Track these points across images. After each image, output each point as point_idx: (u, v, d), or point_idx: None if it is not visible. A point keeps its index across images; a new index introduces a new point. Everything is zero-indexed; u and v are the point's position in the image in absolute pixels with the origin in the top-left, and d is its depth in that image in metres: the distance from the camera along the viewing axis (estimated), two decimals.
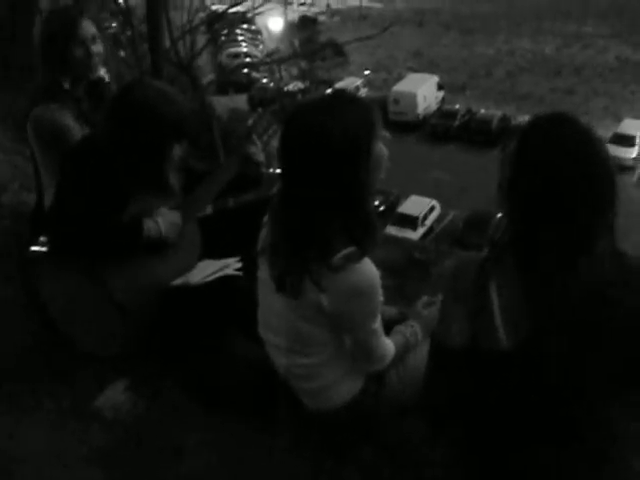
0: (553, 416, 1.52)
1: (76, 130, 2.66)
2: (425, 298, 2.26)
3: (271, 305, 1.96)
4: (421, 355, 2.06)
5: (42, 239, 2.58)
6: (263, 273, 1.97)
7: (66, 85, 2.69)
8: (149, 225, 2.38)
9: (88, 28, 2.68)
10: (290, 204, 1.83)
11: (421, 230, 20.07)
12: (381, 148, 1.84)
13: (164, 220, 2.42)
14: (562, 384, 1.49)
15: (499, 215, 19.56)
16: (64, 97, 2.68)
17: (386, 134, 1.88)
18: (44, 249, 2.52)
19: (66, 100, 2.68)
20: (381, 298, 1.86)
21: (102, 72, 2.77)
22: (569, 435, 1.54)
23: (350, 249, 1.77)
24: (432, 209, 20.99)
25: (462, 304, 1.55)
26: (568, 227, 1.45)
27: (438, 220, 21.06)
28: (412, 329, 2.10)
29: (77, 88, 2.73)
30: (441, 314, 1.65)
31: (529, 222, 1.48)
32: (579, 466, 1.56)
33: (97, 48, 2.70)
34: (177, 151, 2.42)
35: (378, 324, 1.92)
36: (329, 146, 1.73)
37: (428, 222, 20.64)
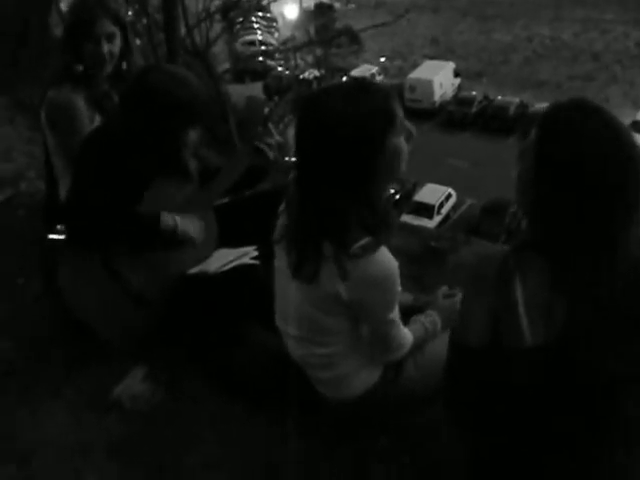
0: (578, 414, 1.48)
1: (87, 114, 2.68)
2: (445, 288, 2.24)
3: (287, 295, 1.95)
4: (440, 345, 2.04)
5: (59, 227, 2.58)
6: (280, 262, 1.95)
7: (79, 69, 2.69)
8: (166, 219, 2.37)
9: (105, 27, 2.67)
10: (305, 192, 1.82)
11: (437, 218, 19.94)
12: (400, 141, 1.79)
13: (182, 221, 2.41)
14: (594, 382, 1.44)
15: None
16: (77, 81, 2.69)
17: (410, 127, 1.83)
18: (62, 237, 2.52)
19: (79, 84, 2.69)
20: (399, 288, 1.83)
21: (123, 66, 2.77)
22: (593, 436, 1.51)
23: (367, 239, 1.75)
24: (448, 197, 20.85)
25: (482, 300, 1.50)
26: (598, 220, 1.40)
27: (454, 208, 20.91)
28: (431, 318, 2.08)
29: (90, 76, 2.73)
30: (460, 310, 1.61)
31: (555, 216, 1.43)
32: (602, 470, 1.53)
33: (111, 47, 2.70)
34: (192, 136, 2.41)
35: (396, 314, 1.90)
36: (339, 134, 1.70)
37: (444, 210, 20.50)
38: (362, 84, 1.84)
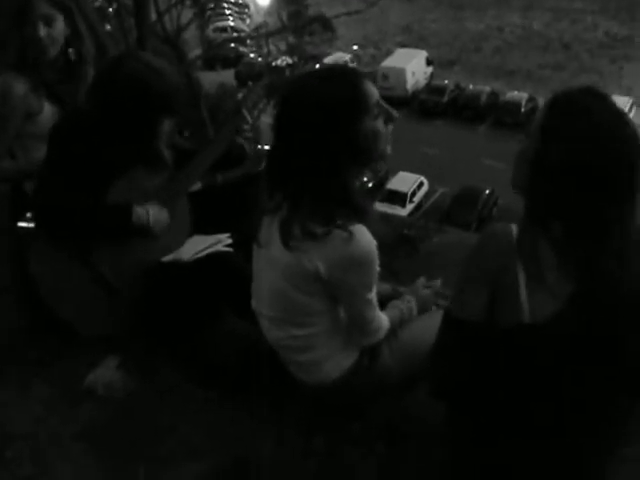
0: (571, 395, 1.50)
1: (29, 103, 2.57)
2: (423, 279, 2.26)
3: (265, 276, 1.95)
4: (415, 332, 2.07)
5: (28, 215, 2.55)
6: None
7: (25, 55, 2.58)
8: (138, 212, 2.35)
9: (41, 9, 2.55)
10: (269, 173, 1.88)
11: (410, 207, 20.06)
12: (377, 124, 1.82)
13: (153, 213, 2.39)
14: (595, 360, 1.46)
15: (487, 191, 19.66)
16: (23, 67, 2.57)
17: (389, 110, 1.85)
18: (31, 225, 2.49)
19: (25, 70, 2.58)
20: (378, 268, 1.85)
21: (70, 51, 2.67)
22: (584, 421, 1.52)
23: (344, 220, 1.76)
24: (420, 185, 20.97)
25: (481, 278, 1.51)
26: (602, 200, 1.42)
27: (426, 196, 21.06)
28: (408, 304, 2.10)
29: (37, 63, 2.61)
30: (456, 285, 1.60)
31: (560, 196, 1.45)
32: (585, 458, 1.56)
33: (50, 31, 2.57)
34: (167, 126, 2.39)
35: (374, 295, 1.91)
36: (308, 117, 1.75)
37: (416, 199, 20.62)
38: (334, 69, 1.90)
